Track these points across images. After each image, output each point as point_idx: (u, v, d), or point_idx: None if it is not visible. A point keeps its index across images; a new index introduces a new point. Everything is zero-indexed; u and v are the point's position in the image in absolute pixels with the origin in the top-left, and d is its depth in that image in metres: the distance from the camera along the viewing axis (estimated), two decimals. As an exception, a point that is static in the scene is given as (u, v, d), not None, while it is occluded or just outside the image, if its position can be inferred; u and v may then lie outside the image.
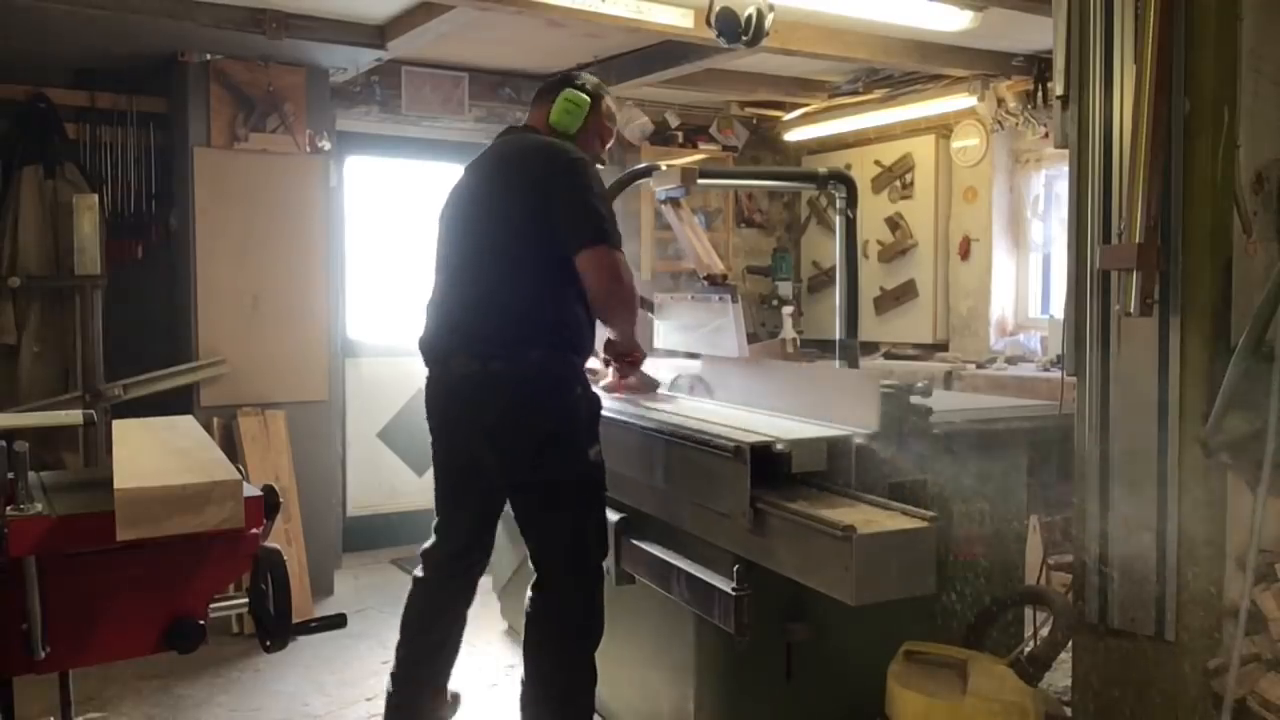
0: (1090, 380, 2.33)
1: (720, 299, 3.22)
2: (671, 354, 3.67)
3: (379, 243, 5.73)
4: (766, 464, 2.34)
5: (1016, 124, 5.40)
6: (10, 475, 1.75)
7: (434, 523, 2.94)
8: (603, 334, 2.94)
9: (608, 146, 3.05)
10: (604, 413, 2.82)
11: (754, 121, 6.40)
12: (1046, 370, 4.85)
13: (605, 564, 2.81)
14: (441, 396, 2.80)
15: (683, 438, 2.60)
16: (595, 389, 2.84)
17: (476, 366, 2.64)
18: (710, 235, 5.52)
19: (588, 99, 2.87)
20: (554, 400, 2.62)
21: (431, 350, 2.82)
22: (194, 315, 4.43)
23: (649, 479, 2.82)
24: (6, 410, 3.76)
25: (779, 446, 2.35)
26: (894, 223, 6.01)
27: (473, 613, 2.96)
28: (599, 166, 2.90)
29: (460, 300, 2.76)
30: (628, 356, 3.12)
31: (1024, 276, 5.68)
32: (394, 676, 2.87)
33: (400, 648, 2.88)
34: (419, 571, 2.95)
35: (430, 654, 2.88)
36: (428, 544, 2.94)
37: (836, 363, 3.75)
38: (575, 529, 2.69)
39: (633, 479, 2.89)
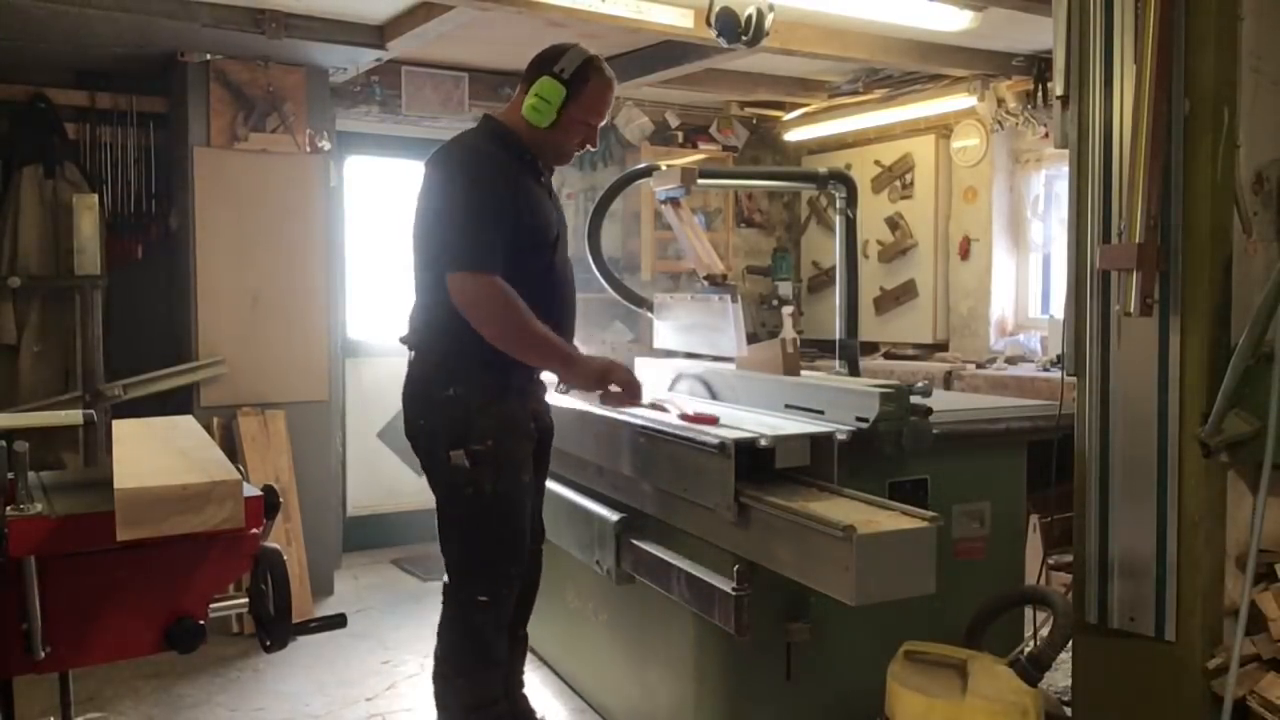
0: (1090, 380, 2.33)
1: (720, 299, 3.21)
2: (671, 354, 3.67)
3: (379, 243, 5.73)
4: (752, 460, 2.40)
5: (1016, 124, 5.40)
6: (10, 475, 1.75)
7: None
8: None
9: (599, 127, 2.75)
10: (596, 410, 2.81)
11: (754, 121, 6.40)
12: (1046, 370, 4.85)
13: (497, 592, 2.63)
14: None
15: (671, 435, 2.63)
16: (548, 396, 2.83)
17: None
18: (710, 235, 5.53)
19: (562, 89, 2.59)
20: (419, 398, 2.62)
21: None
22: (194, 315, 4.43)
23: (641, 477, 2.83)
24: (6, 410, 3.76)
25: (763, 442, 2.38)
26: (894, 223, 6.01)
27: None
28: (589, 149, 2.77)
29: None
30: (586, 386, 2.73)
31: (1024, 276, 5.68)
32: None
33: None
34: None
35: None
36: None
37: (836, 363, 3.74)
38: (446, 545, 2.64)
39: (628, 478, 2.89)
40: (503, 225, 2.52)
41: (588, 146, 2.76)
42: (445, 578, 2.69)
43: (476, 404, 2.55)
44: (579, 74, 2.62)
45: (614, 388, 2.67)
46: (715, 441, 2.41)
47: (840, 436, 2.48)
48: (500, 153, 2.62)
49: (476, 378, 2.56)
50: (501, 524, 2.59)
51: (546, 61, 2.64)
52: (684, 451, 2.56)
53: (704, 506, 2.48)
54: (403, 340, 2.72)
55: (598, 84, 2.66)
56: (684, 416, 2.74)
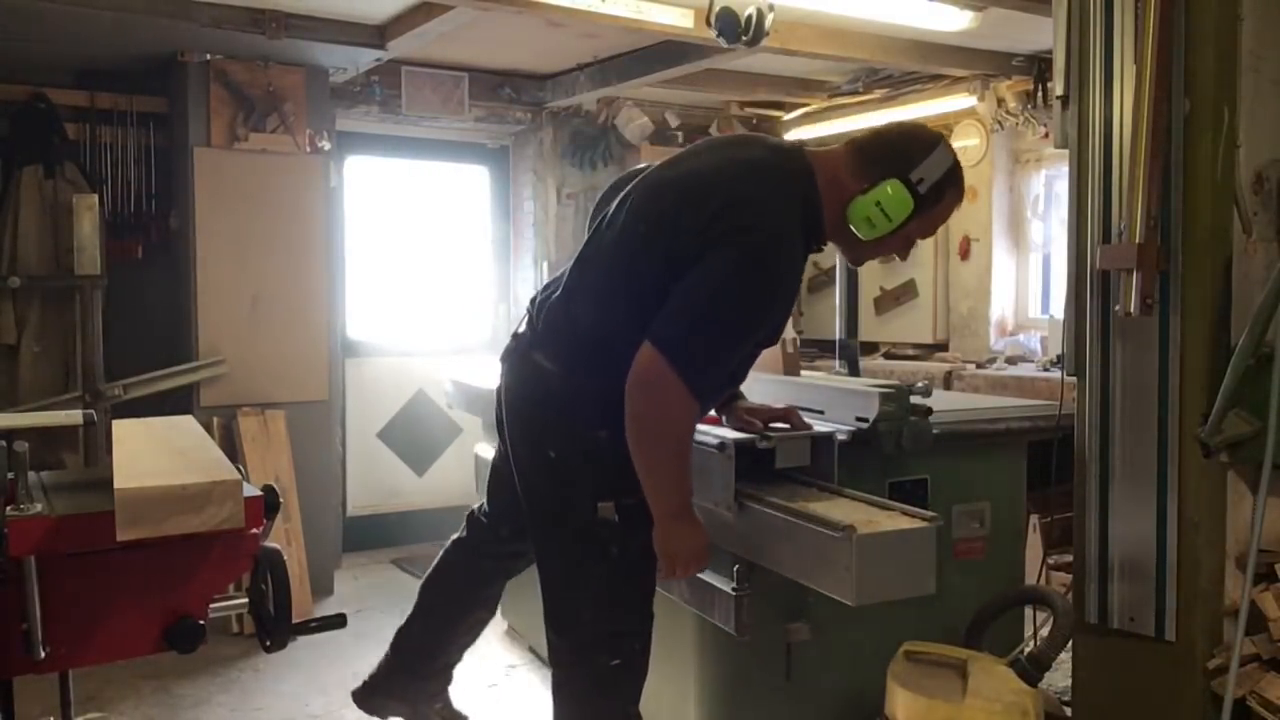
0: (1090, 380, 2.33)
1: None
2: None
3: (379, 243, 5.74)
4: (752, 459, 2.37)
5: (1016, 124, 5.40)
6: (10, 475, 1.74)
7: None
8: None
9: (914, 243, 2.28)
10: None
11: (754, 121, 6.39)
12: (1046, 370, 4.85)
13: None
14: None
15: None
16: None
17: (527, 336, 2.33)
18: (710, 235, 5.51)
19: (912, 203, 2.10)
20: (556, 427, 2.22)
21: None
22: (194, 315, 4.43)
23: None
24: (6, 410, 3.76)
25: (763, 443, 2.36)
26: (894, 223, 6.00)
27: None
28: (876, 260, 2.35)
29: (562, 282, 2.32)
30: (666, 546, 2.19)
31: (1024, 276, 5.68)
32: (397, 633, 2.76)
33: (416, 605, 2.77)
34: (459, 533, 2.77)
35: (443, 617, 2.71)
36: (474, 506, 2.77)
37: (836, 363, 3.74)
38: (568, 607, 2.27)
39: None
40: (745, 343, 2.17)
41: (894, 257, 2.35)
42: (561, 651, 2.31)
43: (626, 454, 2.12)
44: (938, 188, 2.14)
45: (679, 568, 2.21)
46: (715, 441, 2.40)
47: (840, 437, 2.47)
48: (800, 242, 2.15)
49: (624, 425, 2.14)
50: (644, 584, 2.27)
51: (900, 156, 2.13)
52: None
53: (704, 506, 2.46)
54: (538, 337, 2.26)
55: (952, 201, 2.22)
56: None
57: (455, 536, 2.80)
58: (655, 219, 2.15)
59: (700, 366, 2.05)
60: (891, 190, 2.10)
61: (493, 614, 2.84)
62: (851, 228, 2.16)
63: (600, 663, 2.23)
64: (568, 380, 2.20)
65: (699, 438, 2.38)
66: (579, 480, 2.19)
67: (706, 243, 2.04)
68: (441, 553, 2.80)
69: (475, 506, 2.80)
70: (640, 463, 2.10)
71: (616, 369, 2.07)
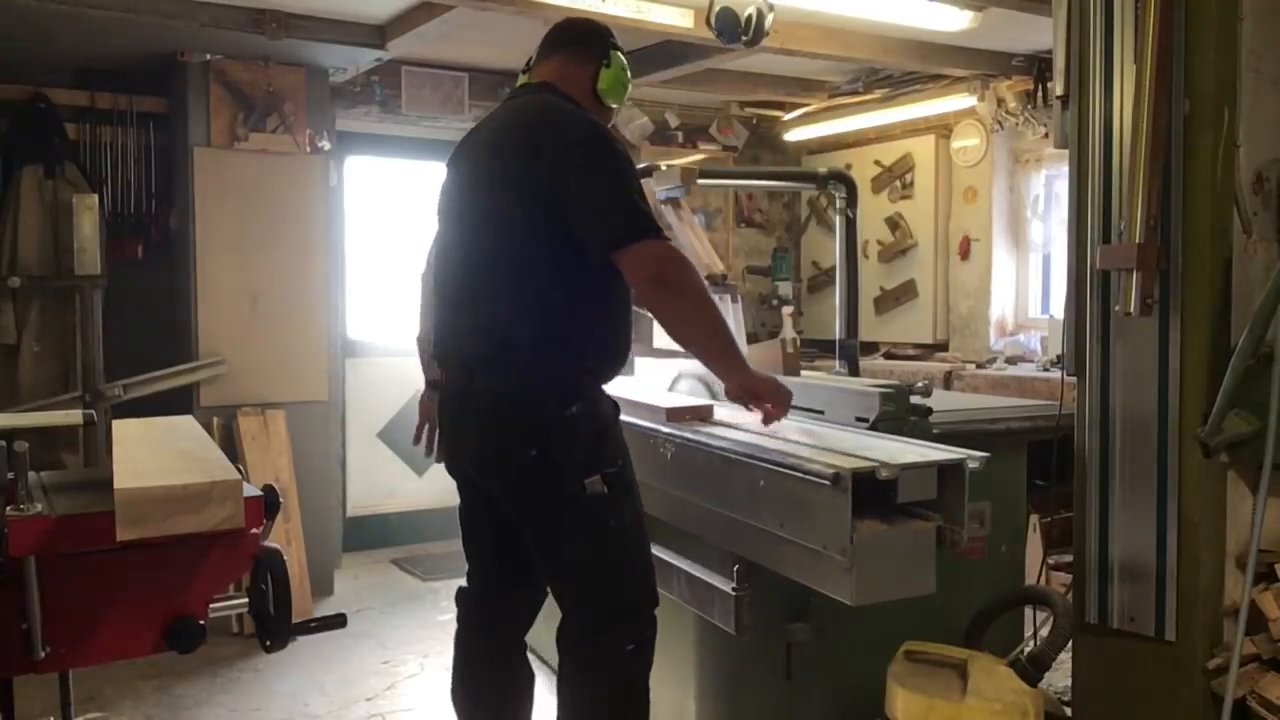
0: (1090, 380, 2.33)
1: (720, 299, 3.21)
2: (672, 354, 3.66)
3: (379, 243, 5.74)
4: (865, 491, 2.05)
5: (1016, 124, 5.40)
6: (10, 475, 1.74)
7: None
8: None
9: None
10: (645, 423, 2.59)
11: (754, 121, 6.39)
12: (1046, 370, 4.85)
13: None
14: (442, 412, 2.47)
15: (767, 462, 2.23)
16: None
17: (463, 380, 2.32)
18: (710, 235, 5.51)
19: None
20: (528, 423, 2.20)
21: (437, 359, 2.49)
22: (194, 315, 4.43)
23: (719, 506, 2.44)
24: (6, 410, 3.76)
25: (884, 474, 2.02)
26: (894, 223, 6.01)
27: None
28: None
29: (451, 304, 2.38)
30: (759, 400, 2.36)
31: (1024, 276, 5.68)
32: None
33: None
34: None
35: (491, 713, 2.48)
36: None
37: (836, 363, 3.74)
38: (586, 591, 2.26)
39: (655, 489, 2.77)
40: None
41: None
42: (574, 633, 2.28)
43: (600, 421, 2.23)
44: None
45: (768, 405, 2.34)
46: (828, 471, 2.02)
47: (972, 465, 2.12)
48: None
49: (590, 391, 2.25)
50: (644, 553, 2.30)
51: (598, 34, 2.47)
52: (781, 480, 2.17)
53: (807, 547, 2.11)
54: (477, 358, 2.27)
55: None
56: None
57: (455, 630, 2.58)
58: (499, 203, 2.23)
59: (656, 223, 2.16)
60: (619, 58, 2.41)
61: (532, 677, 2.57)
62: (607, 100, 2.42)
63: (620, 645, 2.23)
64: (523, 383, 2.21)
65: (804, 465, 2.10)
66: (563, 465, 2.18)
67: (559, 165, 2.15)
68: (454, 654, 2.56)
69: (457, 589, 2.61)
70: (696, 338, 2.21)
71: (563, 339, 2.19)
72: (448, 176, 2.49)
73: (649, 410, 2.79)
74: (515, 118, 2.32)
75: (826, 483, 2.01)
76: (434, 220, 2.54)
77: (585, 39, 2.45)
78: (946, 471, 2.12)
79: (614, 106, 2.46)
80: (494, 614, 2.51)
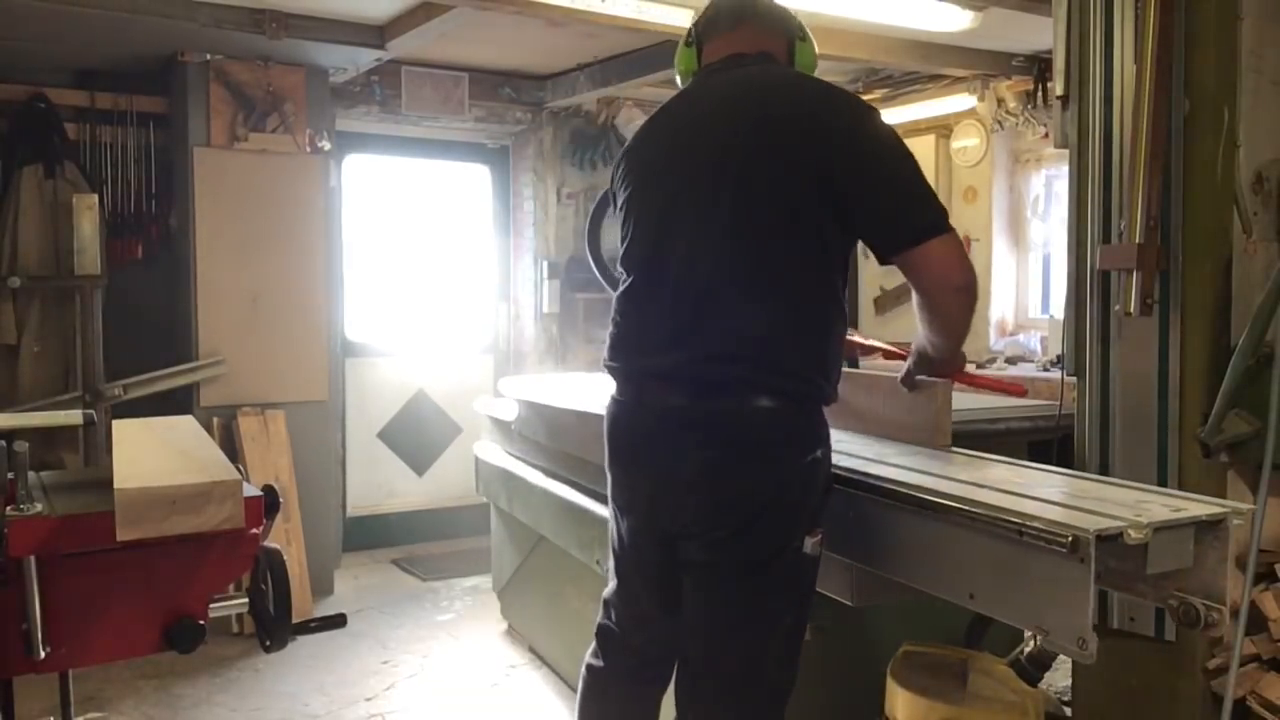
0: (1090, 380, 2.33)
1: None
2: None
3: (379, 243, 5.74)
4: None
5: (1016, 124, 5.40)
6: (10, 475, 1.74)
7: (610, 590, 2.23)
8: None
9: None
10: None
11: (754, 121, 6.38)
12: (1046, 370, 4.85)
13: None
14: (626, 431, 2.05)
15: (958, 511, 1.72)
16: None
17: (681, 402, 1.92)
18: (710, 235, 5.51)
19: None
20: (771, 462, 1.87)
21: (623, 373, 2.07)
22: (194, 315, 4.43)
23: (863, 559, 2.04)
24: (6, 410, 3.76)
25: (1134, 536, 1.50)
26: (894, 223, 6.00)
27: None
28: None
29: (662, 311, 1.97)
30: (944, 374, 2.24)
31: (1024, 276, 5.68)
32: None
33: None
34: (591, 657, 2.22)
35: None
36: (600, 619, 2.23)
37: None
38: (752, 643, 1.94)
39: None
40: None
41: None
42: (696, 684, 2.03)
43: (828, 467, 1.92)
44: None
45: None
46: (1066, 537, 1.49)
47: (1237, 520, 1.59)
48: None
49: (826, 430, 1.93)
50: (808, 606, 2.00)
51: (784, 14, 2.19)
52: (972, 537, 1.69)
53: (1057, 645, 1.59)
54: (713, 370, 1.88)
55: None
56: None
57: (592, 665, 2.22)
58: (760, 171, 1.89)
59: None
60: (810, 43, 2.19)
61: None
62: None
63: (779, 692, 2.02)
64: (774, 403, 1.86)
65: (1031, 526, 1.58)
66: (798, 515, 1.87)
67: (842, 151, 1.86)
68: (580, 699, 2.25)
69: (598, 621, 2.24)
70: (963, 335, 2.05)
71: (814, 363, 1.89)
72: (643, 166, 2.19)
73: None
74: (762, 94, 1.98)
75: (1060, 549, 1.49)
76: (625, 217, 2.17)
77: (771, 8, 2.19)
78: (1203, 529, 1.61)
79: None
80: (637, 664, 2.21)
